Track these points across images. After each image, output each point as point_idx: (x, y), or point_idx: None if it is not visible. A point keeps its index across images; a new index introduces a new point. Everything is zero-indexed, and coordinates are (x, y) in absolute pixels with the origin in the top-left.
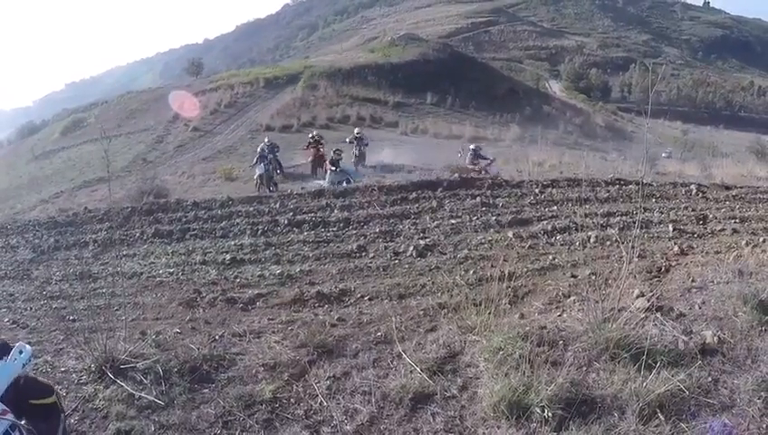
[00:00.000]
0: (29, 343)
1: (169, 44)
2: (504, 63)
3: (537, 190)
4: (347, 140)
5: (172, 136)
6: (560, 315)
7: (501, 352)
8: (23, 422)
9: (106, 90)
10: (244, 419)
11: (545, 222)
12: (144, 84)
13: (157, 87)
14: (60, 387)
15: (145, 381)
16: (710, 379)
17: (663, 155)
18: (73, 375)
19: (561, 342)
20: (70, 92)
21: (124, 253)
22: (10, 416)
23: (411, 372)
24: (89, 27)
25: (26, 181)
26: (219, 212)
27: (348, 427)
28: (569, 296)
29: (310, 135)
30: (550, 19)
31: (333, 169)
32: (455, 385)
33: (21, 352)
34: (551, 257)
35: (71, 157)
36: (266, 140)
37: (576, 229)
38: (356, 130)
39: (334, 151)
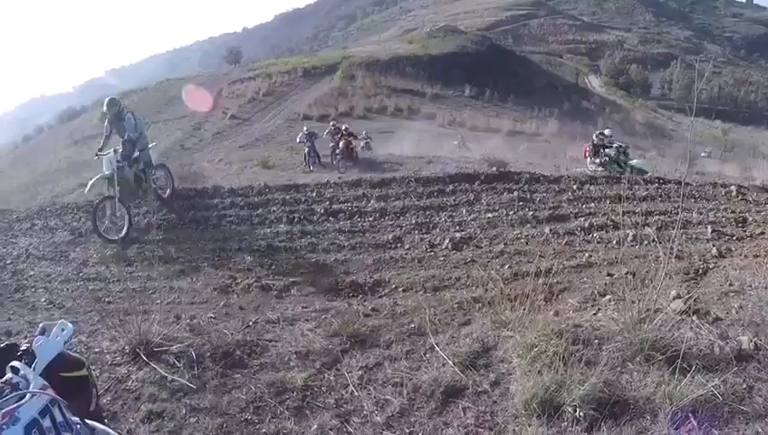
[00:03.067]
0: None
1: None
2: (543, 57)
3: (575, 187)
4: (297, 140)
5: (210, 123)
6: (595, 314)
7: (535, 349)
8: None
9: (145, 77)
10: (274, 405)
11: (582, 219)
12: (183, 72)
13: (195, 75)
14: (94, 367)
15: (178, 364)
16: (745, 386)
17: (702, 155)
18: (107, 356)
19: (595, 341)
20: (109, 79)
21: (161, 237)
22: (50, 391)
23: (444, 365)
24: (128, 15)
25: (65, 165)
26: (256, 199)
27: (378, 418)
28: (604, 295)
29: (343, 126)
30: (590, 13)
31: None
32: (487, 380)
33: (63, 330)
34: (587, 255)
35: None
36: (305, 128)
37: (613, 227)
38: (305, 128)
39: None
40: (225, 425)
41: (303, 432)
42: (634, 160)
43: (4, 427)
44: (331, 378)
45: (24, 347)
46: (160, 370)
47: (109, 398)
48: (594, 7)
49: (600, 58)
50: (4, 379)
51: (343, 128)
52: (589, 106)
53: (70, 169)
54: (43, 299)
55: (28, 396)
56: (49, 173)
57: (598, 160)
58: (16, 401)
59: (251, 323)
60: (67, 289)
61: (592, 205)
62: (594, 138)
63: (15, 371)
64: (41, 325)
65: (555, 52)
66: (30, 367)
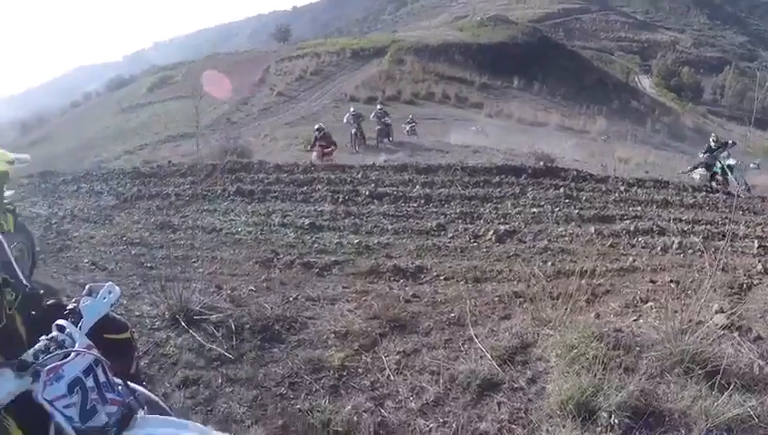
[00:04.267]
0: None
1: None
2: (594, 53)
3: (622, 188)
4: (344, 120)
5: (257, 99)
6: (636, 320)
7: (574, 350)
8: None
9: (194, 50)
10: (310, 382)
11: (628, 221)
12: (231, 47)
13: (244, 50)
14: (133, 331)
15: (216, 333)
16: None
17: (751, 166)
18: (147, 320)
19: (635, 348)
20: (158, 50)
21: (205, 208)
22: (95, 351)
23: (481, 357)
24: None
25: (112, 132)
26: (301, 177)
27: (413, 404)
28: (646, 302)
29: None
30: (644, 11)
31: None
32: (523, 377)
33: (110, 293)
34: (631, 259)
35: (156, 112)
36: (352, 109)
37: (659, 233)
38: (351, 109)
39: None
40: (259, 397)
41: (337, 411)
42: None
43: (48, 383)
44: (368, 360)
45: (70, 307)
46: (199, 338)
47: (146, 361)
48: (648, 5)
49: (652, 58)
50: (50, 336)
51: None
52: (638, 106)
53: (116, 136)
54: (85, 260)
55: (73, 354)
56: (95, 139)
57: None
58: (61, 359)
59: (291, 299)
60: (110, 252)
61: (639, 208)
62: (711, 142)
63: (61, 329)
64: (88, 286)
65: (606, 48)
66: (76, 326)
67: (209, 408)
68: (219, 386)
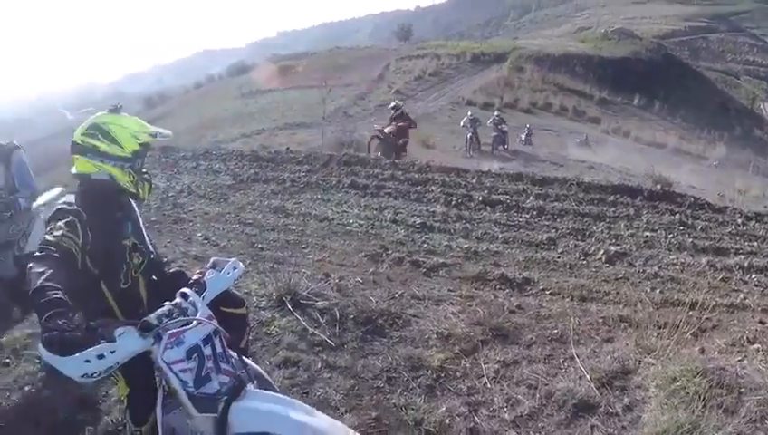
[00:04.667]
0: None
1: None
2: (718, 75)
3: (740, 220)
4: (461, 123)
5: (374, 95)
6: (740, 361)
7: (675, 383)
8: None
9: (315, 42)
10: (408, 379)
11: (743, 256)
12: (353, 42)
13: (365, 46)
14: (248, 307)
15: (320, 320)
16: None
17: None
18: (254, 298)
19: (737, 389)
20: (281, 40)
21: (318, 196)
22: (215, 322)
23: (580, 377)
24: None
25: (231, 115)
26: (416, 176)
27: (506, 415)
28: (753, 343)
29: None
30: None
31: None
32: (620, 403)
33: (234, 268)
34: (742, 296)
35: (275, 99)
36: (469, 113)
37: None
38: (469, 113)
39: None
40: (356, 387)
41: (431, 412)
42: None
43: (169, 347)
44: (467, 366)
45: (195, 277)
46: (303, 321)
47: (250, 338)
48: None
49: None
50: (174, 302)
51: (392, 106)
52: (762, 135)
53: (234, 119)
54: (199, 234)
55: (195, 323)
56: (215, 120)
57: None
58: (183, 325)
59: (396, 296)
60: (223, 229)
61: (755, 244)
62: None
63: (185, 296)
64: (212, 260)
65: (732, 71)
66: (200, 296)
67: (306, 391)
68: (318, 371)
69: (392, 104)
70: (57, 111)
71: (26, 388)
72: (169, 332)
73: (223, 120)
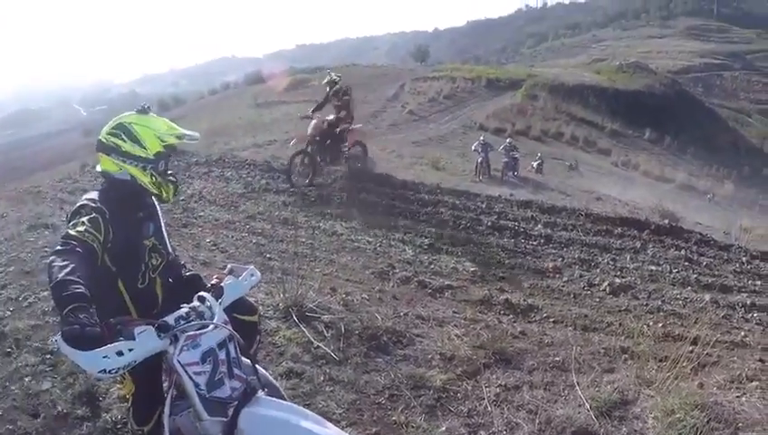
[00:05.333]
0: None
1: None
2: (730, 113)
3: (744, 259)
4: (472, 147)
5: (387, 114)
6: (738, 397)
7: (673, 416)
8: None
9: (332, 57)
10: (409, 398)
11: (746, 295)
12: (369, 60)
13: (381, 65)
14: (260, 315)
15: (326, 333)
16: None
17: None
18: (260, 308)
19: (734, 424)
20: (298, 53)
21: (329, 211)
22: (230, 327)
23: (580, 405)
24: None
25: (244, 123)
26: (426, 197)
27: None
28: (752, 380)
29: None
30: None
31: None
32: (618, 433)
33: (252, 276)
34: (742, 334)
35: (289, 111)
36: (481, 138)
37: None
38: (481, 137)
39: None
40: (357, 402)
41: (431, 431)
42: None
43: (185, 349)
44: (469, 388)
45: (213, 282)
46: (308, 334)
47: (254, 347)
48: None
49: None
50: (192, 305)
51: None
52: None
53: (247, 127)
54: (207, 240)
55: (211, 326)
56: (228, 127)
57: None
58: (199, 329)
59: (402, 314)
60: (232, 236)
61: (759, 283)
62: None
63: (203, 300)
64: (229, 266)
65: (744, 110)
66: (217, 301)
67: (308, 403)
68: (320, 384)
69: (326, 79)
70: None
71: (26, 379)
72: (186, 334)
73: (236, 128)
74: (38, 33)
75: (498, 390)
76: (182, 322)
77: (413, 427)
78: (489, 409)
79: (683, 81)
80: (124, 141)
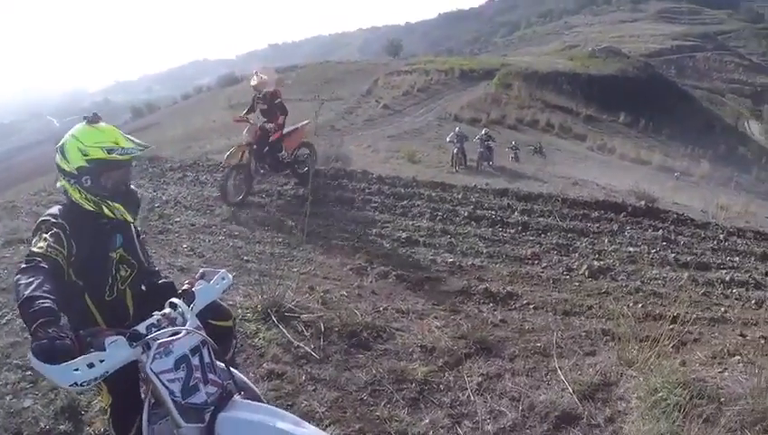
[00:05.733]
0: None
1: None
2: (704, 94)
3: (722, 236)
4: (447, 139)
5: (362, 110)
6: (721, 373)
7: (656, 395)
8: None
9: (305, 55)
10: (392, 392)
11: (724, 271)
12: (342, 56)
13: (355, 60)
14: (236, 319)
15: (305, 332)
16: None
17: None
18: (239, 311)
19: (718, 400)
20: (271, 53)
21: (304, 210)
22: (203, 332)
23: (563, 390)
24: None
25: (219, 126)
26: (402, 190)
27: (489, 427)
28: (734, 355)
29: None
30: (760, 54)
31: None
32: (602, 414)
33: (223, 279)
34: (722, 310)
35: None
36: (457, 129)
37: (755, 286)
38: (457, 128)
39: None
40: (340, 399)
41: (415, 424)
42: None
43: (158, 356)
44: (451, 378)
45: (185, 287)
46: (288, 334)
47: (236, 350)
48: (765, 48)
49: (765, 103)
50: (163, 312)
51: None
52: (745, 153)
53: (222, 130)
54: (184, 245)
55: (183, 332)
56: (202, 131)
57: None
58: (171, 335)
59: (381, 309)
60: (209, 240)
61: (737, 259)
62: None
63: (174, 307)
64: (201, 270)
65: (718, 90)
66: (188, 307)
67: (290, 403)
68: (302, 383)
69: (254, 80)
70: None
71: (8, 398)
72: (158, 341)
73: (210, 131)
74: (5, 45)
75: (480, 379)
76: (153, 329)
77: (396, 421)
78: (472, 398)
79: (656, 64)
80: (57, 155)
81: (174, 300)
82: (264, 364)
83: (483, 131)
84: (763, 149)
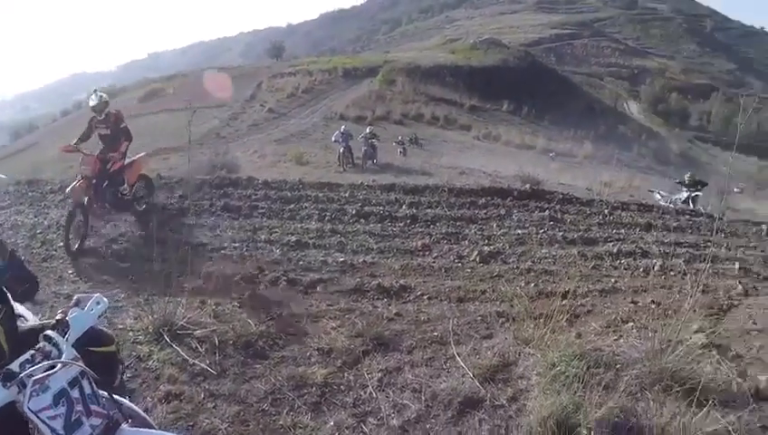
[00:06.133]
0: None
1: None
2: (583, 78)
3: (606, 211)
4: (332, 138)
5: (247, 115)
6: (616, 340)
7: (555, 369)
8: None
9: (187, 63)
10: (293, 399)
11: (611, 244)
12: (225, 62)
13: (237, 65)
14: (119, 343)
15: (200, 349)
16: (760, 425)
17: (735, 190)
18: (130, 334)
19: (615, 366)
20: (151, 62)
21: (191, 222)
22: (80, 363)
23: (463, 375)
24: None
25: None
26: (289, 194)
27: (394, 421)
28: (627, 322)
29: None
30: (635, 38)
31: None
32: (505, 395)
33: (98, 304)
34: (613, 280)
35: (147, 124)
36: (342, 127)
37: (642, 255)
38: (342, 127)
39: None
40: (241, 413)
41: (319, 428)
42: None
43: (34, 394)
44: (351, 378)
45: (57, 317)
46: (182, 352)
47: (129, 375)
48: (639, 32)
49: (641, 84)
50: (37, 347)
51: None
52: (625, 131)
53: None
54: (70, 271)
55: (59, 366)
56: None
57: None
58: (47, 370)
59: (275, 316)
60: (95, 264)
61: (622, 231)
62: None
63: (49, 339)
64: (76, 297)
65: (596, 74)
66: (63, 337)
67: (191, 423)
68: (201, 401)
69: (92, 102)
70: None
71: None
72: (33, 378)
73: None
74: None
75: (380, 374)
76: (28, 366)
77: (300, 427)
78: (374, 395)
79: (536, 52)
80: None
81: (48, 332)
82: (161, 386)
83: (367, 129)
84: (643, 127)
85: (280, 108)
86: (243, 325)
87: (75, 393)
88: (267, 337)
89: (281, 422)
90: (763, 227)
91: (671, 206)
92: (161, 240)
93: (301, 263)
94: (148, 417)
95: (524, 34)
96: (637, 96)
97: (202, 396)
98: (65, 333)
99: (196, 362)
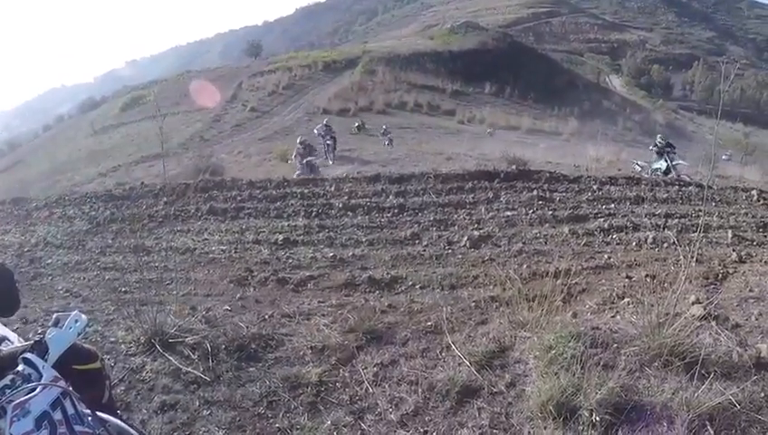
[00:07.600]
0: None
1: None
2: (564, 56)
3: (595, 187)
4: (315, 132)
5: (230, 116)
6: (613, 317)
7: (552, 351)
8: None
9: (166, 68)
10: (288, 400)
11: (602, 220)
12: (203, 64)
13: (216, 67)
14: (108, 357)
15: (192, 356)
16: (763, 395)
17: (723, 157)
18: (122, 346)
19: (613, 344)
20: (130, 70)
21: (178, 228)
22: (62, 383)
23: (459, 364)
24: (150, 7)
25: (85, 155)
26: (274, 192)
27: (392, 416)
28: (623, 298)
29: None
30: (612, 12)
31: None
32: (502, 381)
33: (76, 322)
34: (606, 256)
35: (129, 132)
36: (324, 121)
37: (633, 229)
38: (325, 121)
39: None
40: (238, 418)
41: (317, 428)
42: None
43: (15, 419)
44: (346, 374)
45: (36, 338)
46: (175, 361)
47: (123, 388)
48: (616, 6)
49: (622, 58)
50: (16, 370)
51: None
52: (609, 106)
53: (89, 158)
54: (59, 287)
55: (39, 388)
56: (69, 162)
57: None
58: (27, 393)
59: (267, 317)
60: (84, 278)
61: (612, 206)
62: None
63: (27, 362)
64: (54, 316)
65: (576, 50)
66: (42, 359)
67: (188, 432)
68: (197, 409)
69: None
70: None
71: None
72: (14, 403)
73: (77, 161)
74: None
75: (376, 369)
76: (7, 391)
77: (297, 428)
78: (371, 390)
79: (514, 33)
80: None
81: (26, 355)
82: (155, 397)
83: (324, 121)
84: (626, 101)
85: (262, 106)
86: (234, 329)
87: (57, 415)
88: (260, 339)
89: (277, 425)
90: (753, 192)
91: (653, 177)
92: (149, 249)
93: (290, 261)
94: (136, 432)
95: (502, 15)
96: (618, 70)
97: (197, 404)
98: (44, 354)
99: (189, 369)
